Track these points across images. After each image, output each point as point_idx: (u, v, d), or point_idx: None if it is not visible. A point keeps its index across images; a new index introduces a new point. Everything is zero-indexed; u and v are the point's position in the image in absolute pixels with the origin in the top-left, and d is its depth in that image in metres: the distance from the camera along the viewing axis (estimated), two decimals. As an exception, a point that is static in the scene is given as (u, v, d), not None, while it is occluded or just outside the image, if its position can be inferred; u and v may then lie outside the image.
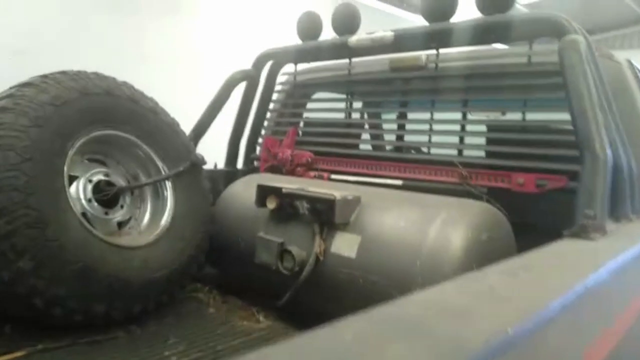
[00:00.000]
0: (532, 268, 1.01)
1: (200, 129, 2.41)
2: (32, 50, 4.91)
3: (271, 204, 1.87)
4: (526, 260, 1.08)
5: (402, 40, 1.97)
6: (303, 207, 1.75)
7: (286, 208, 1.83)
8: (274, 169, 2.43)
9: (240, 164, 2.72)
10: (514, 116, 1.88)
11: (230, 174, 2.50)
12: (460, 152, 2.03)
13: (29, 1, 5.00)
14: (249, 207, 1.92)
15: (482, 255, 1.49)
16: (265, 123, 2.69)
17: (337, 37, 2.21)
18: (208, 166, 2.61)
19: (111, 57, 5.03)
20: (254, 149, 2.66)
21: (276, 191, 1.87)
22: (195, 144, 2.41)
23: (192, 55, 5.97)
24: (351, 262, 1.64)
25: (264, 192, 1.90)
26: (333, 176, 2.20)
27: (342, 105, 2.41)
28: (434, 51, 2.02)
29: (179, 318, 1.87)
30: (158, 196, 1.96)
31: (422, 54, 2.08)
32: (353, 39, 2.09)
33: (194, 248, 1.91)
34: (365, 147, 2.49)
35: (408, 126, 2.35)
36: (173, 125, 2.02)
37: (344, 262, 1.66)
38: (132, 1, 5.76)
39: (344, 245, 1.68)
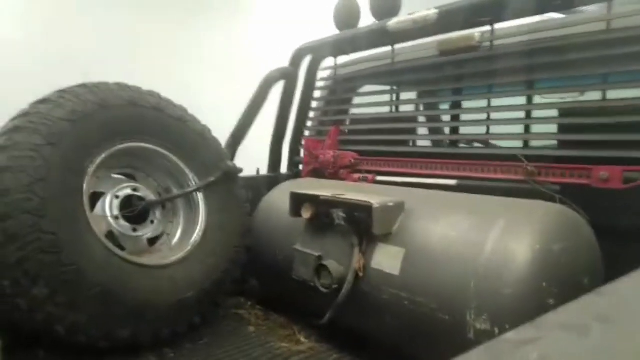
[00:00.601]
0: None
1: (239, 133, 2.28)
2: (97, 71, 5.10)
3: (306, 214, 1.69)
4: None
5: (449, 18, 1.70)
6: (339, 216, 1.55)
7: (323, 217, 1.64)
8: (317, 173, 2.25)
9: (284, 169, 2.56)
10: (591, 96, 1.53)
11: (272, 180, 2.35)
12: (526, 143, 1.72)
13: (91, 21, 5.20)
14: (286, 217, 1.76)
15: (555, 271, 1.21)
16: (309, 123, 2.51)
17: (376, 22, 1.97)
18: (250, 172, 2.50)
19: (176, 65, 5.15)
20: (298, 152, 2.49)
21: (311, 199, 1.69)
22: (234, 149, 2.29)
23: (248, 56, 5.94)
24: (394, 280, 1.41)
25: (298, 201, 1.72)
26: (379, 178, 1.97)
27: (387, 98, 2.16)
28: (488, 27, 1.73)
29: (216, 338, 1.75)
30: (191, 209, 1.85)
31: (475, 32, 1.79)
32: (393, 22, 1.85)
33: (228, 263, 1.78)
34: (416, 143, 2.23)
35: (464, 117, 2.05)
36: (204, 134, 1.90)
37: (386, 280, 1.43)
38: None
39: (386, 259, 1.46)
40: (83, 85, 1.63)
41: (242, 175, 2.29)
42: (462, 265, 1.27)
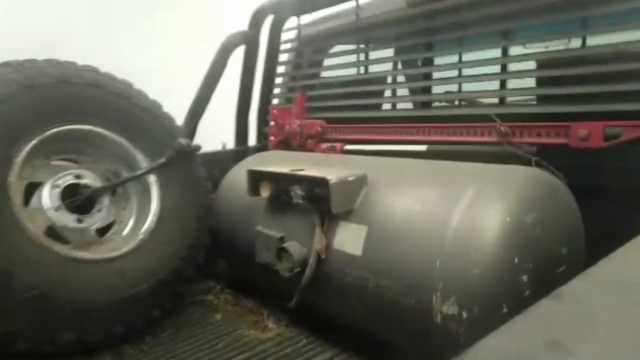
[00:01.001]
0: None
1: (198, 107, 2.11)
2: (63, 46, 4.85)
3: (265, 192, 1.55)
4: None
5: (410, -38, 1.51)
6: (297, 194, 1.41)
7: (282, 196, 1.50)
8: (286, 144, 2.10)
9: (253, 141, 2.41)
10: (570, 45, 1.37)
11: (239, 154, 2.19)
12: (501, 101, 1.56)
13: None
14: (248, 196, 1.62)
15: (528, 245, 1.08)
16: (276, 90, 2.34)
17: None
18: (216, 147, 2.35)
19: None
20: (266, 122, 2.33)
21: (269, 176, 1.54)
22: (194, 125, 2.13)
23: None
24: (356, 261, 1.29)
25: (255, 179, 1.58)
26: (347, 147, 1.82)
27: (352, 59, 1.98)
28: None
29: (180, 329, 1.64)
30: (144, 194, 1.71)
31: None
32: (351, -27, 1.66)
33: (186, 249, 1.66)
34: (386, 107, 2.06)
35: (435, 75, 1.88)
36: (153, 110, 1.74)
37: (349, 261, 1.31)
38: None
39: (348, 239, 1.33)
40: (5, 64, 1.46)
41: (206, 151, 2.14)
42: (426, 243, 1.14)
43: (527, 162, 1.28)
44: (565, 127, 1.24)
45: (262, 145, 2.31)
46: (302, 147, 1.99)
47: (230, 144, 2.32)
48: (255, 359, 1.46)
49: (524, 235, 1.08)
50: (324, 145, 1.91)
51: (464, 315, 1.06)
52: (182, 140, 1.71)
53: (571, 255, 1.16)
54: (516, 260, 1.05)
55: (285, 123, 2.05)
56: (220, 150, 2.27)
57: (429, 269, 1.11)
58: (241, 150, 2.26)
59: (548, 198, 1.15)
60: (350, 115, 1.87)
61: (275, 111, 2.11)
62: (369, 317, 1.32)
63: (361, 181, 1.36)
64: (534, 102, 1.52)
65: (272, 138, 2.14)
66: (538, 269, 1.08)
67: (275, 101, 2.34)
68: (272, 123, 2.13)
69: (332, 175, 1.32)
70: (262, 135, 2.34)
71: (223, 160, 2.11)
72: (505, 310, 1.04)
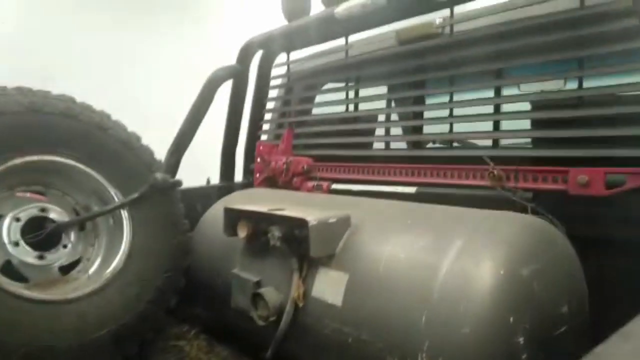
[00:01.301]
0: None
1: (182, 141, 2.03)
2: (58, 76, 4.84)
3: (242, 232, 1.45)
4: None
5: (400, 0, 1.47)
6: (274, 236, 1.30)
7: (261, 237, 1.39)
8: (272, 182, 2.01)
9: (240, 177, 2.32)
10: (567, 87, 1.30)
11: (224, 190, 2.10)
12: (494, 143, 1.48)
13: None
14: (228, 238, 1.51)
15: (525, 301, 0.97)
16: (265, 127, 2.27)
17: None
18: (200, 182, 2.26)
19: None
20: (253, 158, 2.25)
21: (247, 215, 1.44)
22: (176, 160, 2.04)
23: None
24: (336, 312, 1.17)
25: (232, 217, 1.48)
26: (334, 186, 1.73)
27: (341, 96, 1.93)
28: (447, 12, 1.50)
29: (145, 379, 1.50)
30: (115, 231, 1.60)
31: (436, 17, 1.56)
32: (340, 8, 1.62)
33: (155, 291, 1.53)
34: (377, 146, 1.99)
35: (427, 114, 1.81)
36: (129, 142, 1.65)
37: (328, 311, 1.19)
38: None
39: (328, 287, 1.22)
40: (-29, 91, 1.38)
41: (188, 186, 2.05)
42: (412, 296, 1.03)
43: (522, 209, 1.19)
44: (564, 172, 1.16)
45: (249, 181, 2.22)
46: (288, 185, 1.90)
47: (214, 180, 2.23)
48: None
49: (519, 291, 0.97)
50: (310, 184, 1.82)
51: (453, 380, 0.94)
52: (159, 175, 1.61)
53: (572, 314, 1.05)
54: (511, 319, 0.94)
55: (272, 160, 1.97)
56: (203, 185, 2.18)
57: (414, 324, 1.00)
58: (226, 187, 2.17)
59: (546, 249, 1.05)
60: (338, 154, 1.79)
61: (261, 147, 2.04)
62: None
63: (344, 223, 1.26)
64: (530, 146, 1.45)
65: (257, 175, 2.05)
66: (536, 330, 0.97)
67: (263, 137, 2.26)
68: (258, 159, 2.05)
69: (312, 216, 1.22)
70: (248, 171, 2.25)
71: (206, 197, 2.02)
72: (499, 376, 0.92)
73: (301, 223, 1.22)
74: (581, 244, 1.08)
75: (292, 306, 1.26)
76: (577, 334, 1.07)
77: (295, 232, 1.29)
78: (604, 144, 1.16)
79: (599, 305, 1.08)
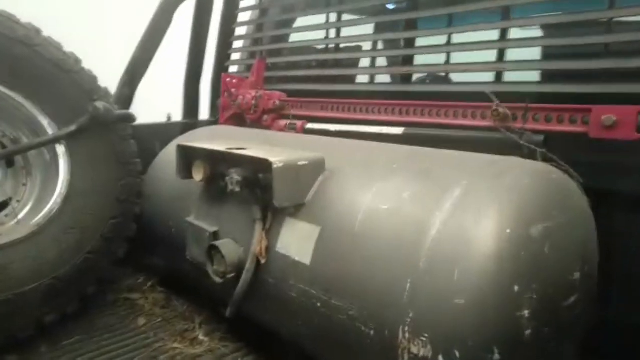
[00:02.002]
0: None
1: (134, 71, 1.76)
2: None
3: (198, 175, 1.23)
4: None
5: None
6: (233, 180, 1.09)
7: (220, 181, 1.18)
8: (240, 119, 1.77)
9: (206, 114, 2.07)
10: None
11: (187, 129, 1.85)
12: (499, 76, 1.26)
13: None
14: (184, 180, 1.29)
15: (532, 267, 0.78)
16: (234, 56, 2.00)
17: None
18: (159, 119, 2.00)
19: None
20: (220, 93, 1.98)
21: (204, 155, 1.22)
22: (131, 91, 1.78)
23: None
24: (304, 271, 0.98)
25: (187, 157, 1.26)
26: (309, 126, 1.51)
27: (321, 20, 1.65)
28: None
29: (88, 335, 1.33)
30: (51, 169, 1.36)
31: None
32: None
33: (99, 240, 1.33)
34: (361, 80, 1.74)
35: (419, 42, 1.55)
36: (66, 64, 1.37)
37: (294, 270, 1.00)
38: None
39: (295, 242, 1.02)
40: None
41: (145, 122, 1.81)
42: (395, 257, 0.84)
43: (531, 156, 0.99)
44: (585, 111, 0.95)
45: (215, 119, 1.97)
46: (257, 124, 1.67)
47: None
48: (173, 387, 1.15)
49: (528, 254, 0.78)
50: (283, 123, 1.59)
51: (441, 360, 0.77)
52: (101, 105, 1.36)
53: (584, 282, 0.88)
54: (516, 288, 0.76)
55: (239, 94, 1.72)
56: (163, 122, 1.92)
57: (397, 292, 0.81)
58: (189, 124, 1.92)
59: (560, 205, 0.86)
60: (316, 88, 1.55)
61: (228, 79, 1.77)
62: (317, 342, 1.02)
63: (316, 167, 1.05)
64: (542, 80, 1.23)
65: (223, 111, 1.80)
66: (543, 301, 0.79)
67: (232, 69, 2.00)
68: (224, 94, 1.79)
69: (278, 157, 1.01)
70: (215, 108, 1.99)
71: (166, 135, 1.77)
72: (496, 357, 0.75)
73: (264, 165, 1.01)
74: (601, 199, 0.90)
75: (252, 263, 1.08)
76: (587, 304, 0.91)
77: (260, 176, 1.08)
78: (637, 78, 0.95)
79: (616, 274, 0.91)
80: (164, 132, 1.84)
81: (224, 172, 1.14)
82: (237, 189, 1.08)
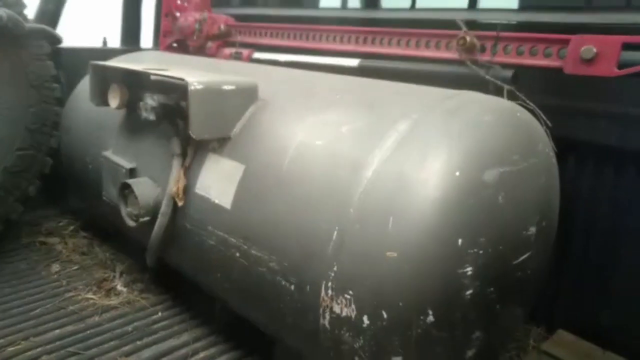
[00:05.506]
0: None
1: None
2: None
3: (114, 100, 1.04)
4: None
5: None
6: (147, 106, 0.91)
7: (138, 108, 0.99)
8: (182, 46, 1.56)
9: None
10: None
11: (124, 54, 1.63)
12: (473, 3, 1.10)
13: None
14: (103, 109, 1.10)
15: (482, 217, 0.66)
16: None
17: None
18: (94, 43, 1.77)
19: None
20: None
21: (118, 76, 1.03)
22: (58, 6, 1.54)
23: None
24: (224, 217, 0.83)
25: (100, 79, 1.06)
26: (257, 55, 1.32)
27: None
28: None
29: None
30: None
31: None
32: None
33: (4, 174, 1.14)
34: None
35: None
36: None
37: (213, 215, 0.86)
38: None
39: (216, 182, 0.87)
40: None
41: (76, 46, 1.61)
42: (322, 202, 0.70)
43: (497, 93, 0.84)
44: (562, 42, 0.80)
45: (158, 48, 1.75)
46: (200, 52, 1.47)
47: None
48: (80, 337, 1.01)
49: (478, 203, 0.65)
50: (228, 51, 1.40)
51: (365, 322, 0.64)
52: (4, 12, 1.13)
53: (539, 238, 0.76)
54: (460, 241, 0.63)
55: (180, 17, 1.51)
56: (97, 47, 1.70)
57: (321, 241, 0.68)
58: (127, 51, 1.69)
59: (522, 149, 0.72)
60: (266, 13, 1.36)
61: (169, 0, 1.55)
62: (236, 295, 0.89)
63: (247, 95, 0.88)
64: (517, 8, 1.07)
65: (163, 36, 1.59)
66: (491, 257, 0.67)
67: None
68: (165, 16, 1.57)
69: (198, 78, 0.83)
70: (158, 34, 1.76)
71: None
72: (430, 319, 0.63)
73: (180, 87, 0.83)
74: (567, 148, 0.77)
75: (168, 205, 0.92)
76: (541, 263, 0.80)
77: (182, 104, 0.90)
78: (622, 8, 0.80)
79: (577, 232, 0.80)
80: (97, 58, 1.62)
81: (142, 97, 0.97)
82: (152, 117, 0.91)
